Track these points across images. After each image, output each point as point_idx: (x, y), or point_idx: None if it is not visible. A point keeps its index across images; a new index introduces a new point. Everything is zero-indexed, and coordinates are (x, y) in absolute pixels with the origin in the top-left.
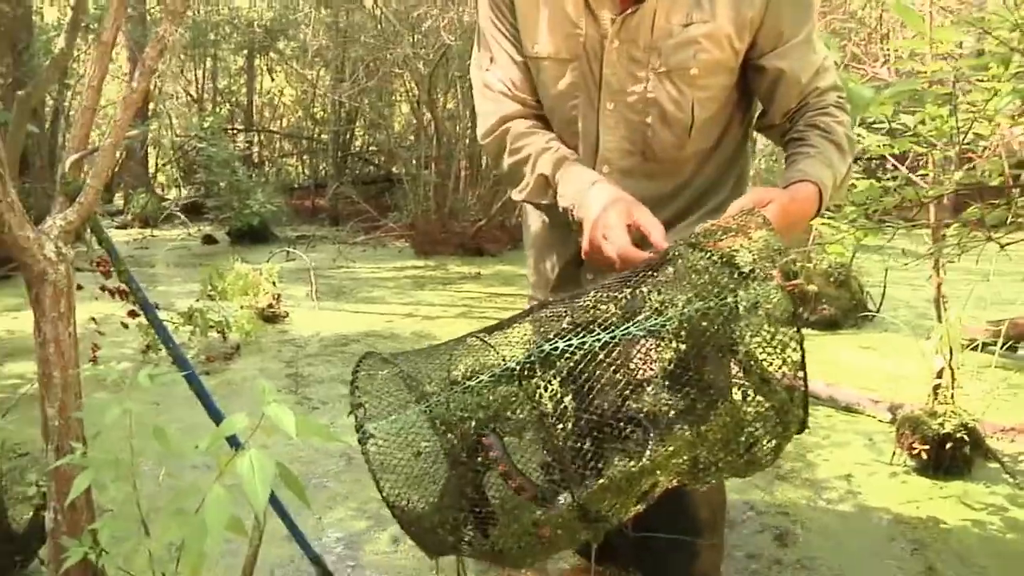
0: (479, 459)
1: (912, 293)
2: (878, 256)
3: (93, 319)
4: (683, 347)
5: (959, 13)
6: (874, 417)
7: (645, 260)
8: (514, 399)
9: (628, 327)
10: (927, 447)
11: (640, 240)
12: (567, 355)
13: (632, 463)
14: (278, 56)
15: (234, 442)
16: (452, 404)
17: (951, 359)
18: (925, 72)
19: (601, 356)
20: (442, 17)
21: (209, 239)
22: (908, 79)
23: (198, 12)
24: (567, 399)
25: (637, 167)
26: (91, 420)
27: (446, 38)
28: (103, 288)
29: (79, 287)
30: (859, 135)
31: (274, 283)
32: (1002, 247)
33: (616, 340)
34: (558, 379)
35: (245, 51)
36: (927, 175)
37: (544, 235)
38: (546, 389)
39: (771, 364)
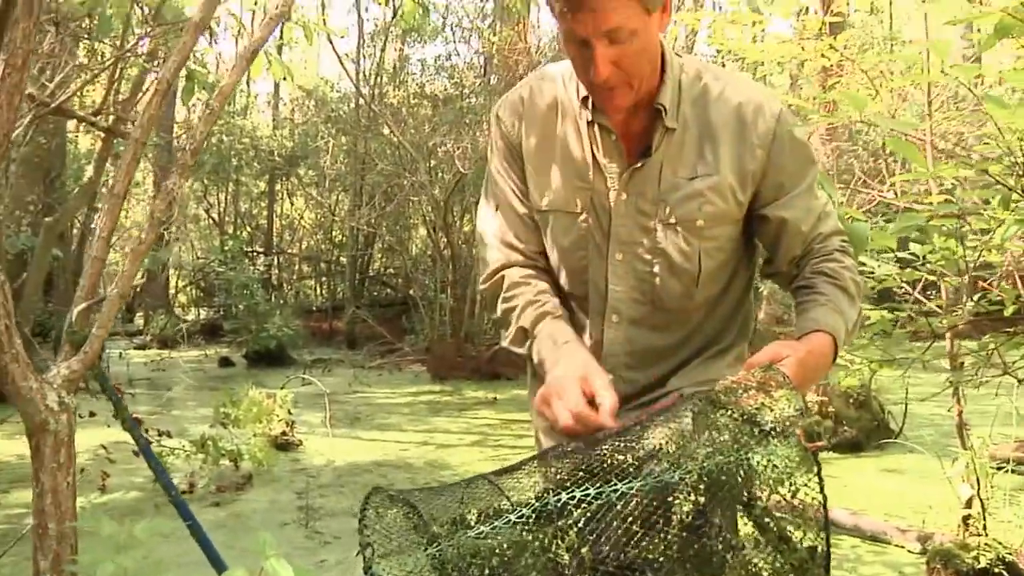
0: None
1: (936, 409)
2: (899, 372)
3: (103, 447)
4: (701, 500)
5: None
6: (902, 547)
7: (658, 410)
8: (528, 548)
9: (647, 478)
10: None
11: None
12: (584, 504)
13: None
14: (298, 181)
15: None
16: (462, 549)
17: (979, 488)
18: (929, 205)
19: (619, 507)
20: (456, 147)
21: (226, 361)
22: (912, 211)
23: (222, 141)
24: (584, 550)
25: (646, 316)
26: (84, 573)
27: (460, 166)
28: (115, 416)
29: (92, 414)
30: (868, 267)
31: (288, 411)
32: (1020, 382)
33: (634, 490)
34: (575, 529)
35: (266, 176)
36: (940, 305)
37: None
38: (563, 539)
39: (791, 523)
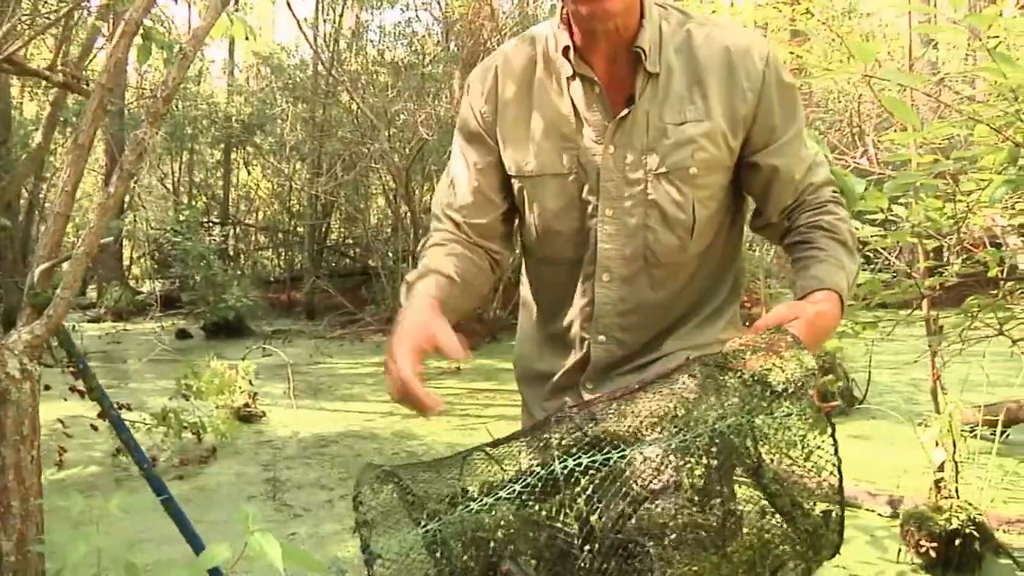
0: None
1: (896, 377)
2: (860, 339)
3: (61, 421)
4: (714, 463)
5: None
6: (873, 511)
7: (662, 373)
8: (534, 519)
9: (656, 443)
10: (935, 544)
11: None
12: (592, 471)
13: None
14: (255, 150)
15: (216, 574)
16: (464, 524)
17: (954, 452)
18: (921, 164)
19: (628, 473)
20: (419, 112)
21: (183, 333)
22: (900, 171)
23: (177, 107)
24: (593, 518)
25: (639, 273)
26: (55, 554)
27: (423, 132)
28: (72, 388)
29: (47, 387)
30: (856, 227)
31: (251, 381)
32: (1014, 342)
33: (644, 457)
34: (583, 496)
35: (222, 145)
36: (921, 267)
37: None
38: (571, 507)
39: (804, 488)
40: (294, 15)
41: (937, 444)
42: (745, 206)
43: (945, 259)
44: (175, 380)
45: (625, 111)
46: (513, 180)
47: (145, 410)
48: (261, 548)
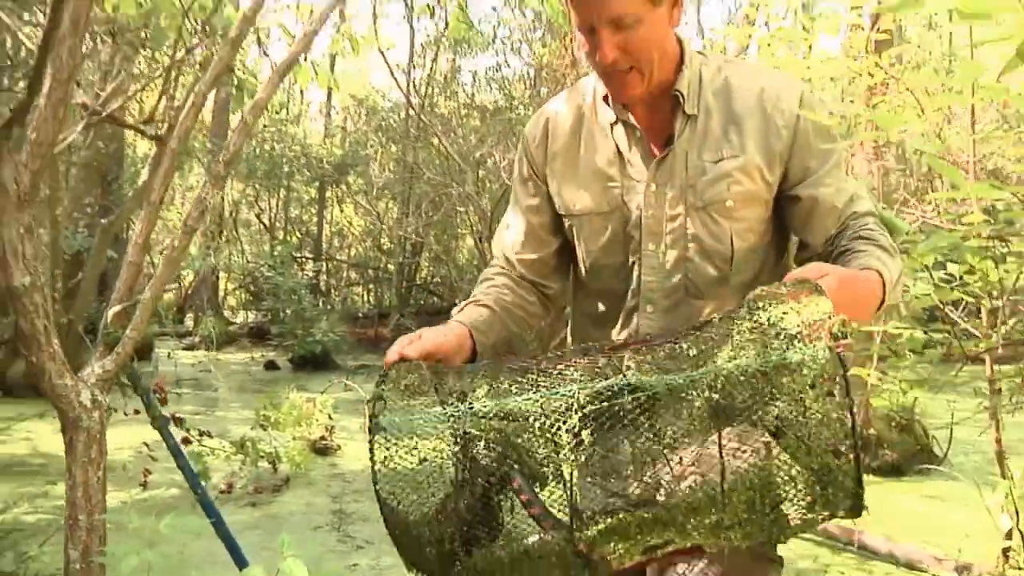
0: (498, 485)
1: (983, 436)
2: (943, 396)
3: (146, 444)
4: (715, 397)
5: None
6: None
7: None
8: (538, 420)
9: (664, 378)
10: None
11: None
12: (600, 399)
13: (647, 512)
14: (348, 188)
15: None
16: (487, 407)
17: (1019, 520)
18: (967, 224)
19: (628, 400)
20: (504, 158)
21: (271, 365)
22: (953, 231)
23: (274, 148)
24: (585, 432)
25: (681, 305)
26: (113, 565)
27: (506, 178)
28: (136, 411)
29: (136, 412)
30: (905, 286)
31: (329, 415)
32: None
33: (654, 391)
34: (579, 413)
35: (317, 183)
36: (979, 328)
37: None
38: (565, 422)
39: (814, 429)
40: (386, 62)
41: (1003, 510)
42: (790, 244)
43: (999, 320)
44: (256, 411)
45: (664, 151)
46: (564, 219)
47: (227, 438)
48: (291, 572)
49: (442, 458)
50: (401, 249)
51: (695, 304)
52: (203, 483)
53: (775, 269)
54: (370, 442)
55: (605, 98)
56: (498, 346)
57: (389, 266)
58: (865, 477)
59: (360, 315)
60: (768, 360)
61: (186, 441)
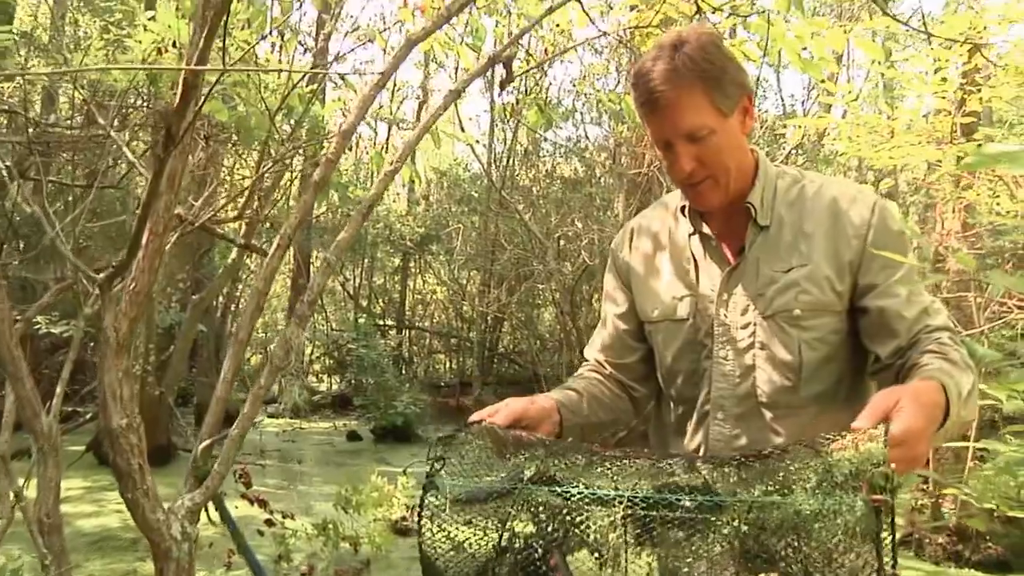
0: (537, 561)
1: None
2: None
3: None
4: (744, 528)
5: None
6: None
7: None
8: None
9: (697, 494)
10: None
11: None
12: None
13: None
14: (431, 258)
15: None
16: (539, 497)
17: None
18: None
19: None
20: (585, 234)
21: (354, 435)
22: None
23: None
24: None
25: (752, 413)
26: None
27: (586, 257)
28: (244, 496)
29: (224, 494)
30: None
31: (410, 496)
32: None
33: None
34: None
35: (400, 253)
36: None
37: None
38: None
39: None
40: (468, 143)
41: None
42: (869, 360)
43: None
44: (337, 491)
45: (737, 261)
46: (645, 326)
47: (310, 514)
48: None
49: (487, 525)
50: (483, 319)
51: (766, 414)
52: (286, 564)
53: (853, 384)
54: (422, 497)
55: (683, 209)
56: (587, 430)
57: (471, 334)
58: (964, 572)
59: (442, 384)
60: (805, 502)
61: (269, 523)
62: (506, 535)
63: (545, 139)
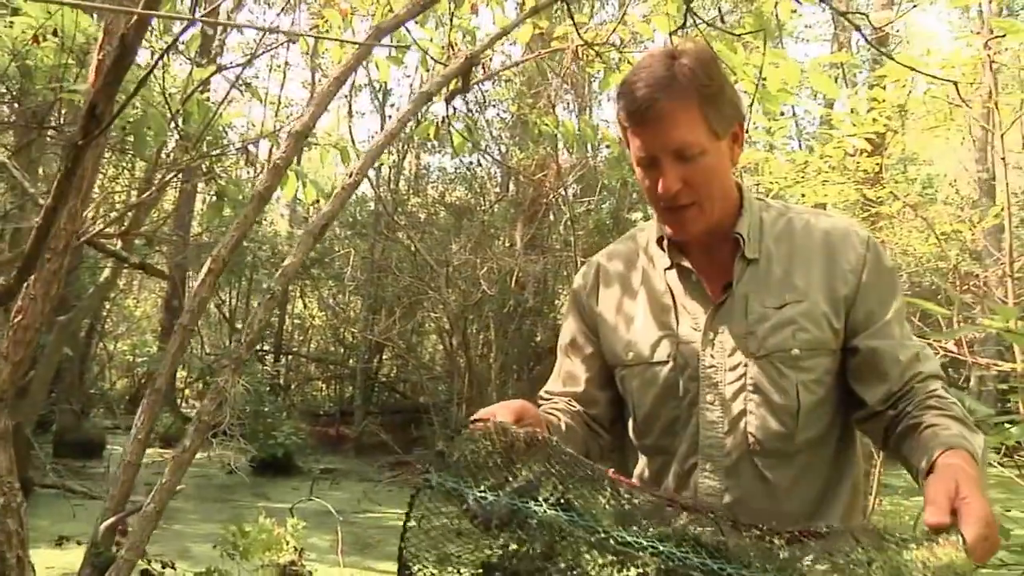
0: None
1: None
2: None
3: None
4: None
5: None
6: None
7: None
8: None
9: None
10: None
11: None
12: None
13: None
14: (312, 282)
15: None
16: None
17: None
18: None
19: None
20: (480, 265)
21: (230, 468)
22: None
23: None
24: None
25: (743, 463)
26: None
27: (486, 287)
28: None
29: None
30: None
31: (301, 538)
32: None
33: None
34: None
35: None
36: None
37: None
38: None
39: None
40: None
41: None
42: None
43: None
44: (221, 535)
45: (723, 297)
46: (616, 371)
47: (188, 558)
48: None
49: (480, 538)
50: (366, 345)
51: (758, 463)
52: None
53: (842, 429)
54: (413, 496)
55: (659, 241)
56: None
57: (351, 361)
58: None
59: (321, 412)
60: None
61: (147, 574)
62: (499, 552)
63: (429, 165)
